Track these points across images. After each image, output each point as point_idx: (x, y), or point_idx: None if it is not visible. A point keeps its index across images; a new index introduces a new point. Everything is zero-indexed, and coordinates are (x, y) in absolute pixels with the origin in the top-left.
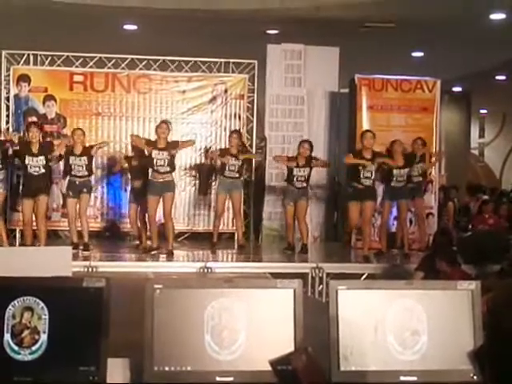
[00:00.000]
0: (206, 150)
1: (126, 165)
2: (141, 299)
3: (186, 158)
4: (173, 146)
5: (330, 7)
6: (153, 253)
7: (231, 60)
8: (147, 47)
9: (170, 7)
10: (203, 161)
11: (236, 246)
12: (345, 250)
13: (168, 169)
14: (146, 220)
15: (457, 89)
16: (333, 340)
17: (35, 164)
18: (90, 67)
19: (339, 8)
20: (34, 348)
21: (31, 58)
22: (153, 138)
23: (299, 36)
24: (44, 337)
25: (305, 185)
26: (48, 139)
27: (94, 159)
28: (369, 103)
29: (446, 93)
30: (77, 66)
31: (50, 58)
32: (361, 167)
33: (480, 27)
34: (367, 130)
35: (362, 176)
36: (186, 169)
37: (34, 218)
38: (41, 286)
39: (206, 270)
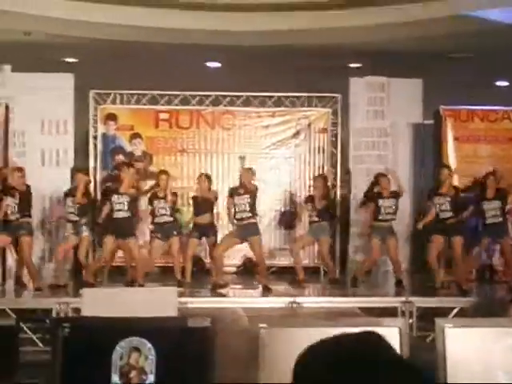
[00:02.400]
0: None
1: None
2: (243, 337)
3: (272, 193)
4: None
5: (412, 39)
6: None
7: (314, 94)
8: (231, 84)
9: (253, 44)
10: (289, 197)
11: (323, 280)
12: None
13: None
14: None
15: None
16: (441, 378)
17: (121, 201)
18: (175, 105)
19: (421, 40)
20: None
21: (117, 97)
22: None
23: (381, 69)
24: (151, 377)
25: (392, 217)
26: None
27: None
28: (454, 134)
29: None
30: (162, 104)
31: (135, 97)
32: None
33: None
34: (443, 165)
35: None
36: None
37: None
38: (147, 326)
39: (294, 305)
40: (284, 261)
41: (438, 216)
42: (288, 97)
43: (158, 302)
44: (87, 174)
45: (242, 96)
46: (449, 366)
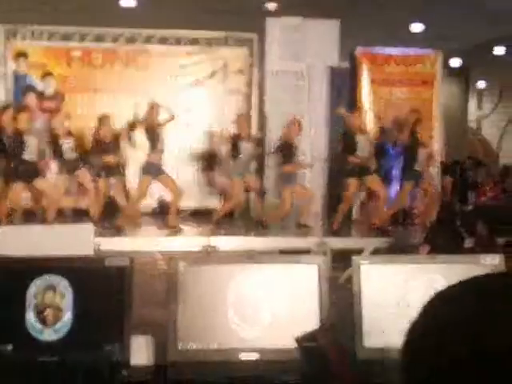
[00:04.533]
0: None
1: None
2: (158, 276)
3: (186, 133)
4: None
5: None
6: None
7: (230, 34)
8: (145, 22)
9: None
10: (204, 137)
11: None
12: (347, 225)
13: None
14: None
15: (455, 62)
16: (357, 316)
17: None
18: (89, 42)
19: None
20: (57, 327)
21: (28, 33)
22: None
23: (298, 9)
24: (67, 315)
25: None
26: None
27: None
28: (370, 77)
29: (444, 66)
30: (75, 42)
31: (47, 34)
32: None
33: (480, 0)
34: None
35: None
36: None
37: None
38: (64, 264)
39: (209, 248)
40: (199, 204)
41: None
42: (204, 36)
43: (74, 239)
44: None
45: (157, 34)
46: (364, 303)
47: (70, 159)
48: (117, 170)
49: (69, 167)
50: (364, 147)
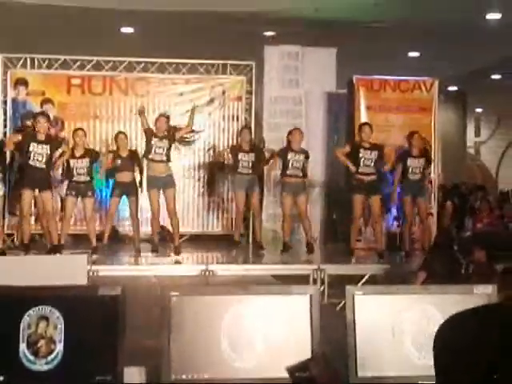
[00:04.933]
0: (213, 149)
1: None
2: (154, 305)
3: (186, 160)
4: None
5: (327, 8)
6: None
7: (229, 62)
8: (144, 50)
9: (166, 9)
10: (205, 160)
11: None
12: (345, 251)
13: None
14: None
15: (452, 88)
16: (350, 345)
17: (39, 152)
18: (88, 70)
19: (336, 10)
20: (49, 358)
21: (28, 61)
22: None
23: (296, 37)
24: (60, 346)
25: (301, 174)
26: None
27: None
28: (367, 103)
29: (442, 92)
30: (74, 70)
31: (47, 62)
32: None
33: (475, 27)
34: (365, 123)
35: (361, 165)
36: (189, 169)
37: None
38: (56, 294)
39: (208, 273)
40: (198, 229)
41: (358, 171)
42: (203, 64)
43: (68, 269)
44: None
45: (155, 62)
46: (358, 333)
47: (78, 181)
48: (133, 188)
49: (77, 191)
50: (369, 164)
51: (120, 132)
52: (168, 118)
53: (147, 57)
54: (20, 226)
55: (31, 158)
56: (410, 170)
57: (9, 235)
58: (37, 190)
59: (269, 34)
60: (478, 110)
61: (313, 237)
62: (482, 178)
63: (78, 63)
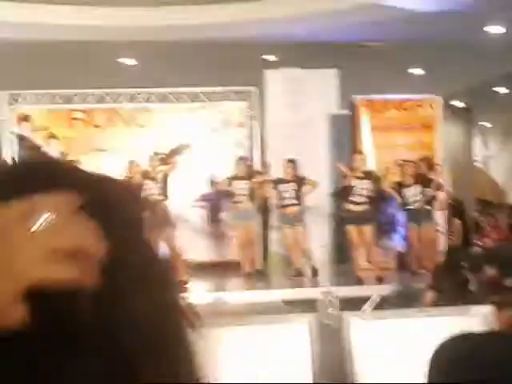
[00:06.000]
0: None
1: None
2: None
3: (191, 188)
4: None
5: (325, 30)
6: None
7: (230, 88)
8: (146, 81)
9: (167, 39)
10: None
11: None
12: (353, 273)
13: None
14: None
15: (458, 103)
16: (349, 372)
17: None
18: (90, 103)
19: (335, 30)
20: None
21: (30, 97)
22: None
23: (296, 60)
24: None
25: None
26: None
27: None
28: (370, 124)
29: (447, 107)
30: (76, 103)
31: (49, 97)
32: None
33: (478, 41)
34: (357, 151)
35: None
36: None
37: None
38: None
39: (218, 301)
40: (207, 257)
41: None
42: (204, 92)
43: None
44: None
45: (157, 92)
46: (355, 358)
47: None
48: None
49: None
50: (361, 194)
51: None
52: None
53: (149, 87)
54: None
55: None
56: (408, 199)
57: None
58: None
59: (269, 58)
60: (485, 124)
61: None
62: (492, 192)
63: (80, 97)
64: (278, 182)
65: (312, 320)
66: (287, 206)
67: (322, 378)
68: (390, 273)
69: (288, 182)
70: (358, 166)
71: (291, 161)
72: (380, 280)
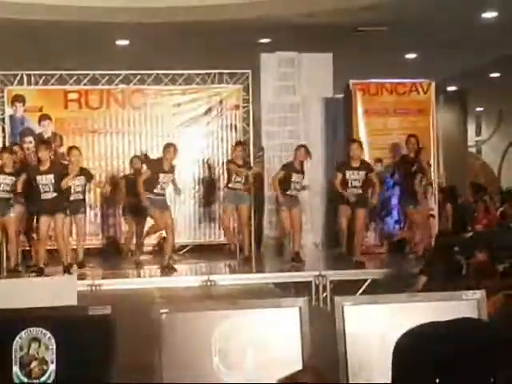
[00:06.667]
0: (207, 163)
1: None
2: (148, 321)
3: (186, 171)
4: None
5: (321, 13)
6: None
7: (225, 71)
8: (140, 62)
9: (162, 20)
10: (203, 173)
11: (239, 257)
12: (347, 256)
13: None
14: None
15: (452, 88)
16: (341, 356)
17: (45, 182)
18: (84, 85)
19: (331, 14)
20: (42, 379)
21: (25, 78)
22: (150, 153)
23: (292, 43)
24: (52, 367)
25: (298, 192)
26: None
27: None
28: (364, 108)
29: (441, 92)
30: (71, 84)
31: (43, 78)
32: (347, 176)
33: (472, 26)
34: (353, 140)
35: (350, 185)
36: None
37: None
38: (46, 316)
39: (209, 283)
40: (200, 239)
41: (346, 188)
42: (199, 74)
43: (58, 290)
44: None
45: (151, 74)
46: (348, 343)
47: (74, 199)
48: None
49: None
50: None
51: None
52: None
53: (143, 69)
54: (37, 250)
55: (41, 191)
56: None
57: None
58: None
59: (264, 41)
60: (479, 109)
61: (315, 242)
62: (485, 177)
63: (75, 78)
64: (289, 170)
65: (303, 304)
66: (291, 190)
67: (313, 360)
68: (382, 257)
69: (299, 172)
70: (355, 154)
71: (305, 147)
72: (372, 264)
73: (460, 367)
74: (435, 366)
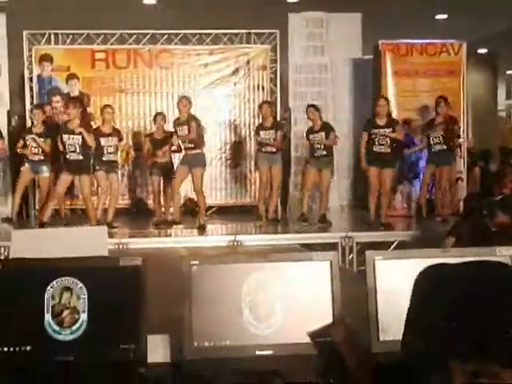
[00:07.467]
0: (234, 124)
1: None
2: (177, 276)
3: (212, 132)
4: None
5: None
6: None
7: (252, 31)
8: (167, 22)
9: None
10: (229, 134)
11: (266, 218)
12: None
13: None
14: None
15: (482, 50)
16: (371, 311)
17: (72, 143)
18: (111, 44)
19: None
20: (74, 328)
21: (52, 37)
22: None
23: (321, 3)
24: (84, 316)
25: (324, 152)
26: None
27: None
28: (394, 69)
29: (471, 55)
30: (98, 44)
31: (71, 37)
32: (374, 136)
33: None
34: (381, 96)
35: (376, 143)
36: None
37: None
38: (78, 266)
39: (235, 243)
40: (226, 200)
41: (373, 148)
42: (226, 34)
43: (88, 241)
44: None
45: (179, 34)
46: (379, 298)
47: (108, 160)
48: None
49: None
50: (383, 142)
51: (158, 113)
52: (189, 101)
53: (170, 28)
54: (45, 206)
55: (67, 151)
56: (432, 139)
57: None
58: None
59: (292, 0)
60: (510, 72)
61: (341, 204)
62: None
63: (102, 37)
64: (308, 132)
65: (333, 258)
66: (317, 152)
67: (343, 315)
68: (409, 219)
69: (317, 132)
70: (382, 110)
71: (315, 107)
72: (399, 226)
73: (478, 309)
74: (452, 306)
